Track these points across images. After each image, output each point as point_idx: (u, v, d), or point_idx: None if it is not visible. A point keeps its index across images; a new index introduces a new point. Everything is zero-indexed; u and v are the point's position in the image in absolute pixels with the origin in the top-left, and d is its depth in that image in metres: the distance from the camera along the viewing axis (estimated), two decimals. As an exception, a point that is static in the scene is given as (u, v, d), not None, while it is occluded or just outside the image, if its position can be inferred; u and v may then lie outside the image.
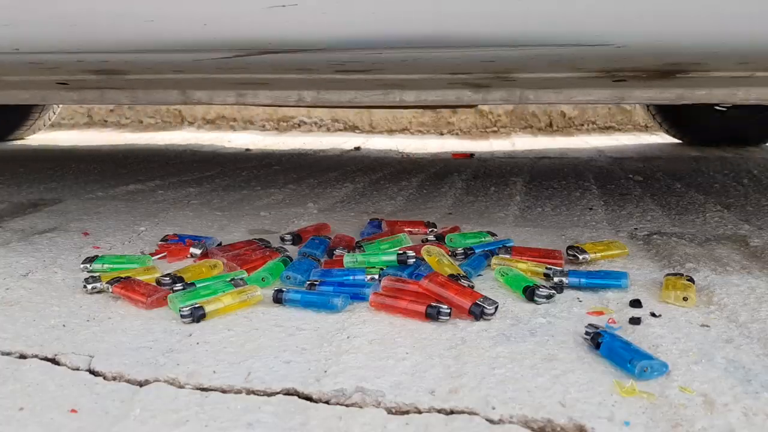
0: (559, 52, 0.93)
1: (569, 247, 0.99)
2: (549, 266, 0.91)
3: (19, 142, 3.04)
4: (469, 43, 0.88)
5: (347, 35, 0.85)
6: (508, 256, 0.97)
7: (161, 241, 1.09)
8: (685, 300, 0.79)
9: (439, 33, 0.83)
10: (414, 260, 0.92)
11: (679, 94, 1.31)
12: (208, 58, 1.02)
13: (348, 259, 0.94)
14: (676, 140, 2.96)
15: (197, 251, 1.01)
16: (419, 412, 0.56)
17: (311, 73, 1.19)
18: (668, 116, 2.83)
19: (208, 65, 1.09)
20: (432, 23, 0.79)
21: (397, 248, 0.99)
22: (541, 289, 0.81)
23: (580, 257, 0.97)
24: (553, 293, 0.81)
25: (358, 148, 2.85)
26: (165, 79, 1.31)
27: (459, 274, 0.86)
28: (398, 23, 0.80)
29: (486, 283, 0.89)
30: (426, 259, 0.92)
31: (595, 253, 0.99)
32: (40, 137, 3.26)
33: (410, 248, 0.98)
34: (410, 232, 1.14)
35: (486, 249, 1.00)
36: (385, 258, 0.94)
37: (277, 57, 1.00)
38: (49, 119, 3.19)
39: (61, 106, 3.41)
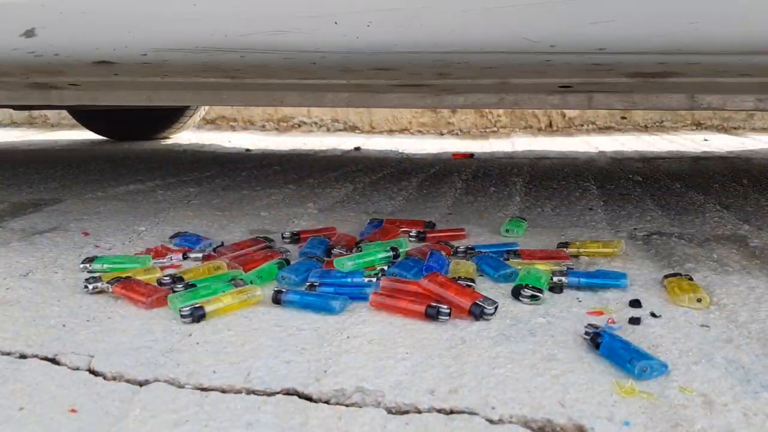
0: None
1: (559, 244, 1.01)
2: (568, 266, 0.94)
3: (168, 141, 3.17)
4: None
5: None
6: (519, 259, 0.97)
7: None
8: (699, 302, 0.79)
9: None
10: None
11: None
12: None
13: (346, 262, 0.93)
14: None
15: (198, 255, 1.00)
16: (419, 412, 0.56)
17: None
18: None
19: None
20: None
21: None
22: (525, 290, 0.82)
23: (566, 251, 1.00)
24: (538, 295, 0.81)
25: (358, 149, 2.85)
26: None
27: (461, 277, 0.85)
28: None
29: (486, 283, 0.89)
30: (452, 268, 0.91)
31: (580, 248, 1.01)
32: (186, 135, 3.39)
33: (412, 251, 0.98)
34: (407, 233, 1.14)
35: (492, 251, 1.00)
36: (380, 256, 0.94)
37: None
38: (199, 118, 3.35)
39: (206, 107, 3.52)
